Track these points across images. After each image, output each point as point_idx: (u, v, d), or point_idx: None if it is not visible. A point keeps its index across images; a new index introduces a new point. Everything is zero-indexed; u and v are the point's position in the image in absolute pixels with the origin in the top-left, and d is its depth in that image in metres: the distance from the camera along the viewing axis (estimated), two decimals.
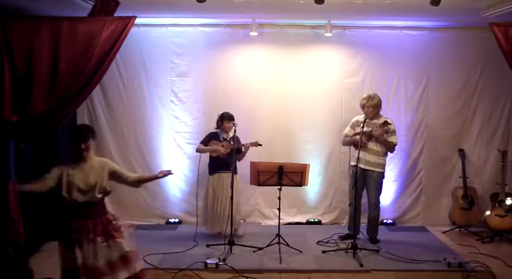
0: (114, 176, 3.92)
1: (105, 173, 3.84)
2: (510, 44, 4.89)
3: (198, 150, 5.74)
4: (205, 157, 5.79)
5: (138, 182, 4.02)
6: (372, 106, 5.57)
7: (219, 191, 5.67)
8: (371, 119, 5.61)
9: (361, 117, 5.64)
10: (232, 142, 5.62)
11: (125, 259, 3.84)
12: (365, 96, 5.67)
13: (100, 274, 3.73)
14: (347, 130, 5.82)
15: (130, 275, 3.85)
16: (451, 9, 5.12)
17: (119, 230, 3.90)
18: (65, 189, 3.71)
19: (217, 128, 5.79)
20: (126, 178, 3.94)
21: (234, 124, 5.56)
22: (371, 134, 5.52)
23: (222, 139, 5.71)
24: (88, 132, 3.84)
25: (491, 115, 6.50)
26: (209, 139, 5.74)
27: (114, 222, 3.91)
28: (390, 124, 5.53)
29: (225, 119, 5.67)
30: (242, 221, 6.13)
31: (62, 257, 3.81)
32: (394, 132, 5.63)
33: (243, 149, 5.70)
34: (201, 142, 5.77)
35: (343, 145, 5.97)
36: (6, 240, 4.30)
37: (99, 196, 3.80)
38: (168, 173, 4.06)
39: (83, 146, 3.75)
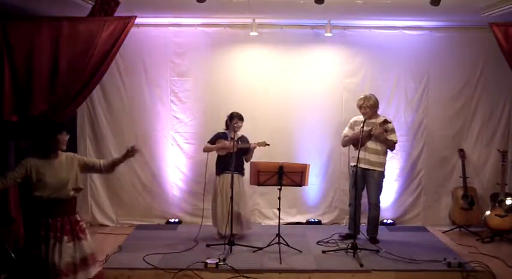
0: (87, 168, 3.88)
1: (75, 168, 3.78)
2: (510, 44, 4.90)
3: (205, 149, 5.68)
4: (212, 158, 5.73)
5: (113, 166, 3.98)
6: (369, 107, 5.56)
7: (226, 192, 5.58)
8: (369, 118, 5.61)
9: (360, 117, 5.64)
10: (240, 142, 5.61)
11: (85, 262, 3.81)
12: (361, 96, 5.66)
13: (60, 274, 3.67)
14: (346, 130, 5.81)
15: (87, 278, 3.81)
16: (451, 9, 5.13)
17: (84, 232, 3.88)
18: (36, 187, 3.64)
19: (226, 128, 5.75)
20: (99, 166, 3.91)
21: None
22: (371, 133, 5.52)
23: (229, 139, 5.62)
24: (63, 126, 3.79)
25: (491, 115, 6.49)
26: (216, 139, 5.69)
27: (81, 223, 3.87)
28: (390, 122, 5.54)
29: (235, 118, 5.61)
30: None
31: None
32: (393, 130, 5.63)
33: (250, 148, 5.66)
34: (208, 142, 5.71)
35: (343, 146, 5.94)
36: (6, 240, 4.30)
37: (71, 193, 3.75)
38: (134, 148, 3.93)
39: (59, 137, 3.68)
